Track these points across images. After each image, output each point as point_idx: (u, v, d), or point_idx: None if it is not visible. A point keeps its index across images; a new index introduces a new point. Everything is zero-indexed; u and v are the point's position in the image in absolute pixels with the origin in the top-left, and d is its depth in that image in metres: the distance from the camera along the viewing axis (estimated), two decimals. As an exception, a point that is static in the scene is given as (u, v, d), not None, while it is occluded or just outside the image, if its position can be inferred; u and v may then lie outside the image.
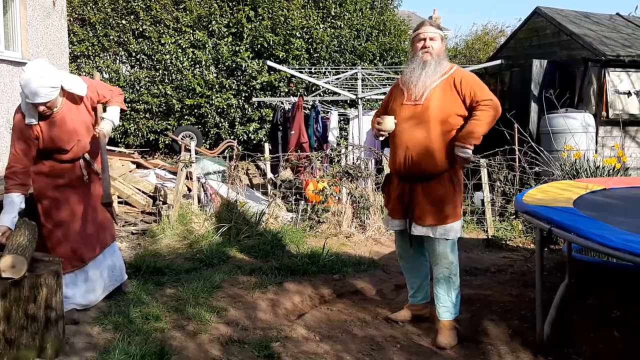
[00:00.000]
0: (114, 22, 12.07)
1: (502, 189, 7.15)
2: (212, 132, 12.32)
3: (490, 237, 6.45)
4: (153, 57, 12.07)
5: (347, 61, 12.64)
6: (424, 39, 3.75)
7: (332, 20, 12.77)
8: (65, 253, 3.84)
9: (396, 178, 3.89)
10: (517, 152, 7.49)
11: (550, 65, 9.72)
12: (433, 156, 3.65)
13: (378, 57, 13.08)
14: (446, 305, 3.79)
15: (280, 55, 11.95)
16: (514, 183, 7.17)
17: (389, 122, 3.75)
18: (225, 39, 12.10)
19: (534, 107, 9.58)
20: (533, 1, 27.67)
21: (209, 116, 12.08)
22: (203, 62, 11.99)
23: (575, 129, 8.52)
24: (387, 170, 7.13)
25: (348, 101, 11.08)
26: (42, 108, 3.63)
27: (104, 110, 4.09)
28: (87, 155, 3.98)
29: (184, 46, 12.04)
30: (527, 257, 5.78)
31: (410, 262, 4.04)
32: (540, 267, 3.65)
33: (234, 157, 7.68)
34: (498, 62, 9.67)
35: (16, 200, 3.61)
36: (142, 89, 11.96)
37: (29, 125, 3.67)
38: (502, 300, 4.39)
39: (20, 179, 3.66)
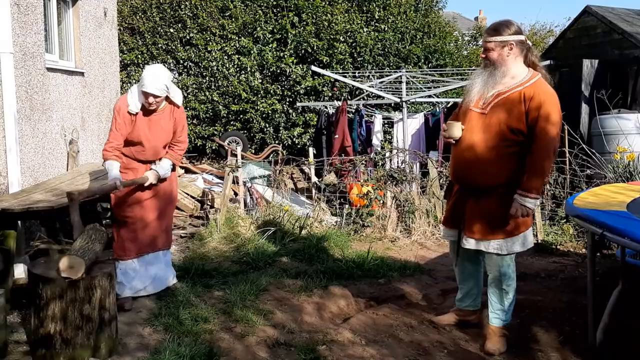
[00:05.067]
0: (162, 30, 12.39)
1: (552, 192, 6.97)
2: (257, 137, 12.48)
3: (539, 241, 6.30)
4: (200, 64, 12.32)
5: (391, 64, 12.59)
6: (484, 49, 3.63)
7: (376, 24, 12.76)
8: (122, 243, 4.27)
9: (456, 186, 3.82)
10: (567, 155, 7.30)
11: (602, 65, 9.45)
12: (487, 168, 3.50)
13: (423, 60, 12.99)
14: (496, 312, 3.72)
15: (324, 60, 12.01)
16: (564, 186, 6.99)
17: (455, 129, 3.63)
18: (270, 45, 12.24)
19: (584, 108, 9.33)
20: (582, 0, 26.97)
21: (254, 121, 12.24)
22: (248, 68, 12.17)
23: (629, 130, 8.25)
24: (432, 174, 7.08)
25: (392, 104, 11.04)
26: (150, 100, 4.08)
27: (160, 159, 4.39)
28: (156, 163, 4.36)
29: (229, 53, 12.25)
30: (578, 262, 5.63)
31: (461, 269, 3.98)
32: (592, 273, 3.56)
33: (279, 161, 7.76)
34: (547, 62, 9.41)
35: (116, 163, 4.14)
36: (189, 96, 12.23)
37: (130, 113, 4.15)
38: (552, 306, 4.29)
39: (117, 153, 4.19)
